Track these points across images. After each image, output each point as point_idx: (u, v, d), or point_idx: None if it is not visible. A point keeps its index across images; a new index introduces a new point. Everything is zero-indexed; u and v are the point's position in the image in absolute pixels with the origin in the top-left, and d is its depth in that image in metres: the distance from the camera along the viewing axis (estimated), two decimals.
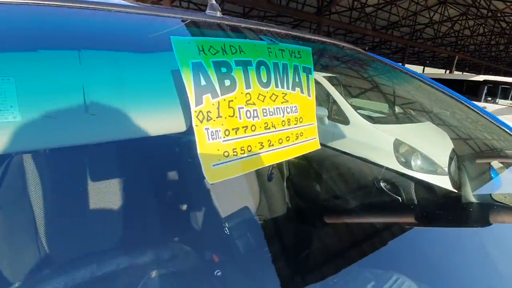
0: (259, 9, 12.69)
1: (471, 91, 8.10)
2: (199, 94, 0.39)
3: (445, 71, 26.73)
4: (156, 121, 0.46)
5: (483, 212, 0.92)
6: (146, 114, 0.48)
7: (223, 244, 0.89)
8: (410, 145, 2.34)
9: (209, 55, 0.41)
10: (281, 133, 0.50)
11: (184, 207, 0.91)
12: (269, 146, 0.48)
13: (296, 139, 0.53)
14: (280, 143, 0.49)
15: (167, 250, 0.73)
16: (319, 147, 0.59)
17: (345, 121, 2.79)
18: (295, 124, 0.53)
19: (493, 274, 0.57)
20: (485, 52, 22.54)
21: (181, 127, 0.46)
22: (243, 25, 0.55)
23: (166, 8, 0.57)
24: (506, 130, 0.84)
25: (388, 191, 1.28)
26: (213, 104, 0.40)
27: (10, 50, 0.37)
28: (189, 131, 0.44)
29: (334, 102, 2.96)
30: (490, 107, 7.30)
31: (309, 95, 0.57)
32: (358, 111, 2.84)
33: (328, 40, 0.76)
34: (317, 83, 2.88)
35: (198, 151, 0.38)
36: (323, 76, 2.87)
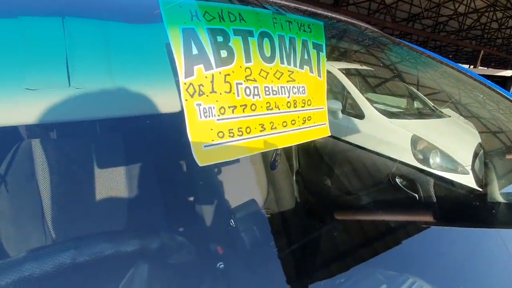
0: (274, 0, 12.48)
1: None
2: (189, 64, 0.34)
3: (469, 66, 25.55)
4: (149, 99, 0.41)
5: (510, 212, 0.84)
6: (137, 90, 0.43)
7: (227, 237, 0.86)
8: (429, 142, 2.23)
9: (203, 21, 0.35)
10: (286, 115, 0.44)
11: (187, 196, 0.88)
12: (271, 129, 0.42)
13: (303, 123, 0.47)
14: (284, 126, 0.44)
15: (170, 240, 0.71)
16: (329, 134, 0.53)
17: (360, 115, 2.68)
18: (302, 106, 0.47)
19: None
20: None
21: (177, 106, 0.42)
22: None
23: None
24: None
25: (404, 187, 1.19)
26: (206, 77, 0.35)
27: None
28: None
29: (349, 95, 2.85)
30: None
31: (319, 75, 0.51)
32: (374, 105, 2.72)
33: (344, 18, 0.69)
34: (330, 74, 2.77)
35: (188, 129, 0.34)
36: (338, 68, 2.76)
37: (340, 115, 2.69)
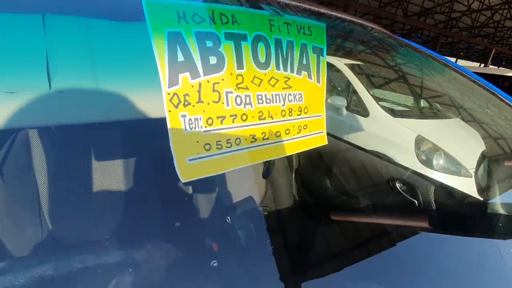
0: None
1: (507, 87, 7.62)
2: (174, 72, 0.31)
3: (480, 65, 24.96)
4: (131, 103, 0.39)
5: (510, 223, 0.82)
6: (119, 93, 0.41)
7: (223, 234, 0.86)
8: (433, 143, 2.19)
9: (191, 23, 0.33)
10: (279, 125, 0.42)
11: (185, 194, 0.87)
12: (263, 139, 0.40)
13: (298, 132, 0.45)
14: (277, 137, 0.41)
15: (166, 236, 0.71)
16: (326, 142, 0.51)
17: (365, 113, 2.63)
18: (297, 114, 0.44)
19: None
20: None
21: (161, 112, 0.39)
22: None
23: None
24: None
25: (404, 192, 1.17)
26: (192, 86, 0.32)
27: None
28: None
29: (354, 91, 2.78)
30: None
31: (318, 81, 0.48)
32: (380, 103, 2.66)
33: (349, 18, 0.65)
34: (336, 70, 2.71)
35: (171, 142, 0.31)
36: (344, 64, 2.69)
37: (344, 112, 2.64)
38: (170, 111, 0.31)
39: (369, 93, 2.67)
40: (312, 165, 1.54)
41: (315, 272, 0.60)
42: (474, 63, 27.45)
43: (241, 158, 0.37)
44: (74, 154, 0.46)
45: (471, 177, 1.84)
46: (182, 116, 0.32)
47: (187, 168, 0.32)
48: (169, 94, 0.31)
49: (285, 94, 0.42)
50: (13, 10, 0.34)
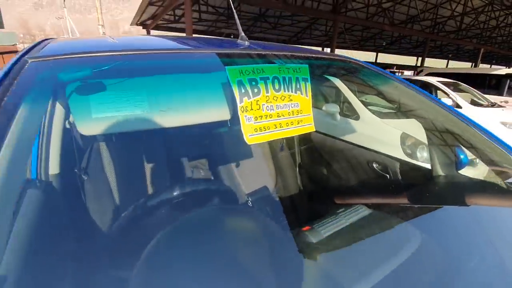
0: (275, 10, 12.94)
1: (493, 85, 7.91)
2: (241, 97, 0.72)
3: (472, 65, 25.50)
4: (209, 113, 0.82)
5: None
6: (204, 109, 0.84)
7: (245, 212, 1.17)
8: (416, 138, 2.54)
9: (245, 75, 0.74)
10: (287, 120, 0.82)
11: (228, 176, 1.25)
12: (280, 127, 0.80)
13: (297, 124, 0.85)
14: (286, 126, 0.82)
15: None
16: (314, 129, 0.91)
17: (356, 117, 2.98)
18: (296, 114, 0.85)
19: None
20: None
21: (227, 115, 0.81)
22: (263, 52, 0.89)
23: (219, 43, 0.93)
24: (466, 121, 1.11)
25: (379, 170, 1.56)
26: (249, 103, 0.73)
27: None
28: (233, 118, 0.80)
29: (345, 100, 3.15)
30: None
31: (306, 95, 0.89)
32: (368, 107, 3.03)
33: (324, 56, 1.07)
34: (331, 84, 3.10)
35: (242, 127, 0.72)
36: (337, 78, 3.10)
37: (338, 117, 3.02)
38: (240, 114, 0.72)
39: (358, 99, 3.05)
40: (313, 161, 1.93)
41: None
42: (466, 63, 28.04)
43: (271, 136, 0.77)
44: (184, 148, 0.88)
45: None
46: (245, 116, 0.73)
47: (248, 139, 0.73)
48: (240, 107, 0.72)
49: (290, 104, 0.83)
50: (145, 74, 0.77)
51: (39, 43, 0.80)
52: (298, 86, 0.86)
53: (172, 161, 1.05)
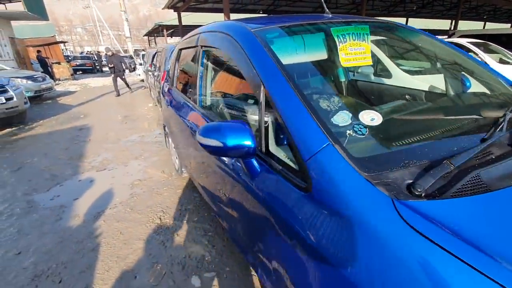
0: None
1: None
2: (339, 43, 1.39)
3: (511, 25, 23.51)
4: None
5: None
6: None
7: None
8: (442, 89, 3.01)
9: (339, 31, 1.40)
10: (359, 56, 1.47)
11: None
12: (354, 60, 1.46)
13: (363, 59, 1.50)
14: (359, 59, 1.47)
15: None
16: (371, 63, 1.55)
17: (388, 75, 3.45)
18: (363, 53, 1.50)
19: None
20: None
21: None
22: (343, 20, 1.54)
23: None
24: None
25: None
26: (343, 46, 1.40)
27: None
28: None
29: (379, 60, 3.61)
30: None
31: (368, 43, 1.53)
32: (400, 67, 3.47)
33: (371, 20, 1.70)
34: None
35: (340, 59, 1.39)
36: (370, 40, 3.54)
37: (372, 77, 3.52)
38: (339, 51, 1.38)
39: (390, 60, 3.51)
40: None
41: None
42: (506, 24, 25.85)
43: (352, 64, 1.44)
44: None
45: None
46: (341, 53, 1.39)
47: (343, 64, 1.39)
48: (339, 47, 1.38)
49: (359, 48, 1.48)
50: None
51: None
52: (363, 38, 1.50)
53: None
